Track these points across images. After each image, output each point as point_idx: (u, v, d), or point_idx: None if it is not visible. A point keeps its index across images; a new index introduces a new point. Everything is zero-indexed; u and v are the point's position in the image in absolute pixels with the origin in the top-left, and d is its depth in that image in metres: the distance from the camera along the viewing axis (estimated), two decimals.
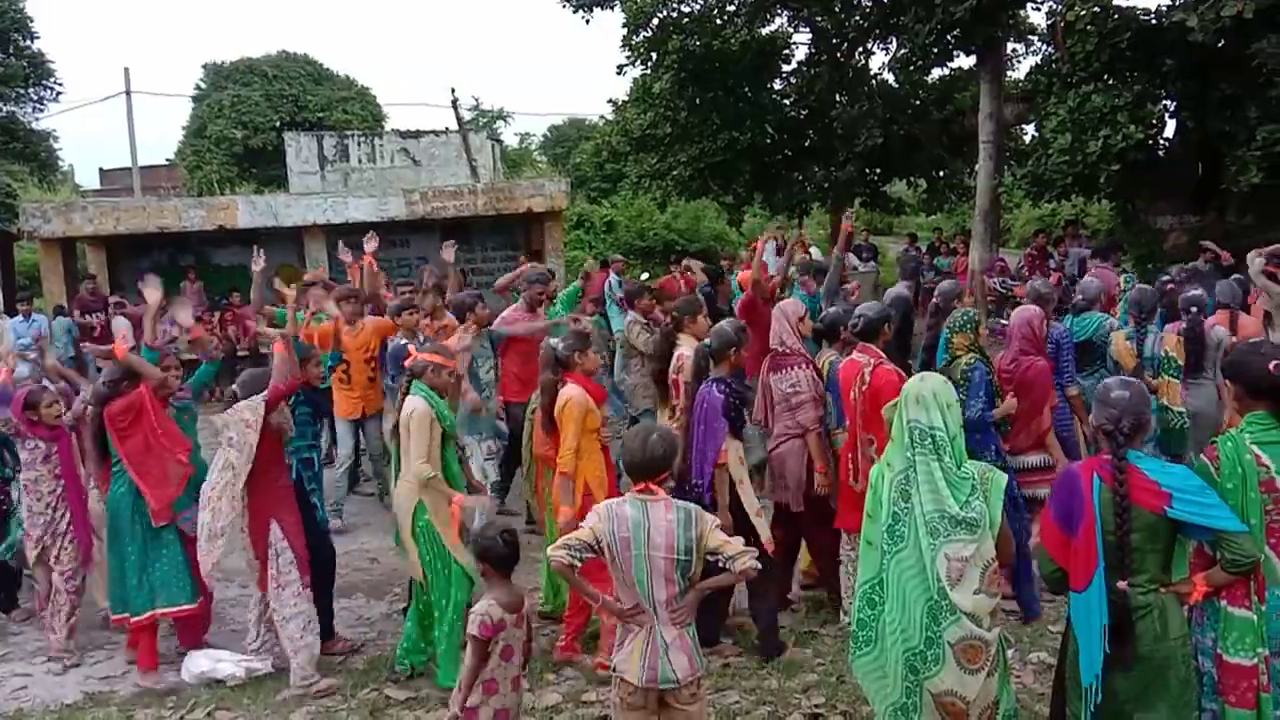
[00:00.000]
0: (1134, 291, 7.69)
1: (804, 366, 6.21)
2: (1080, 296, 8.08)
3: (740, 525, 5.42)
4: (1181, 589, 3.72)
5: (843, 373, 6.14)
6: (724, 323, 6.05)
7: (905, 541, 3.80)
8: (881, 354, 6.03)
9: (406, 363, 5.78)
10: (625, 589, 3.85)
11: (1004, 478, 3.85)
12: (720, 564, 3.87)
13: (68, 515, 6.47)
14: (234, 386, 5.93)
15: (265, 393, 5.64)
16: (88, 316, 14.06)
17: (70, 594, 6.43)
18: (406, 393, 5.68)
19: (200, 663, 5.99)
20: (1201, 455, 3.94)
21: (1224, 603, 3.76)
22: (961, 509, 3.72)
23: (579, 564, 3.79)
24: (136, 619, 5.95)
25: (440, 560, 5.62)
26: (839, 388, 6.14)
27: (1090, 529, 3.61)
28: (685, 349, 6.28)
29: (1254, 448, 3.77)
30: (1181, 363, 7.14)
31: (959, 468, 3.80)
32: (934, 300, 7.23)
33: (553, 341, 6.07)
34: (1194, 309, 7.44)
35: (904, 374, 5.76)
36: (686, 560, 3.77)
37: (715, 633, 5.92)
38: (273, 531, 5.72)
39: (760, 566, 3.93)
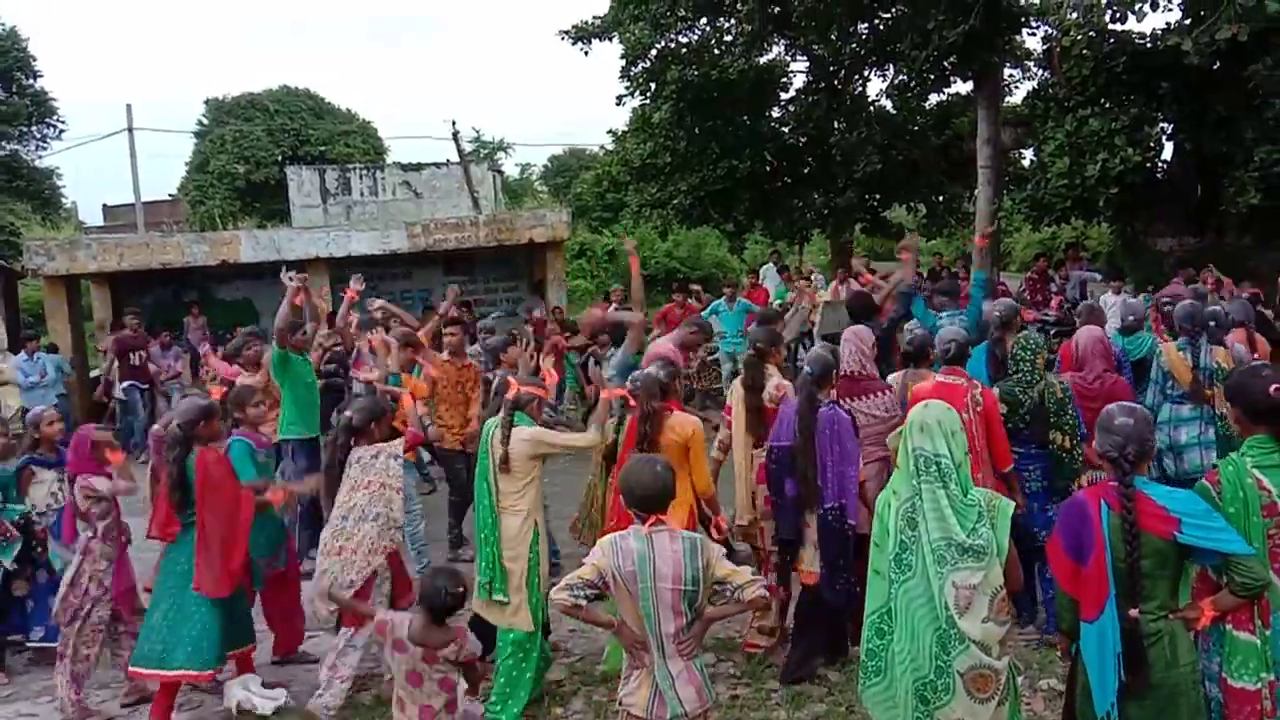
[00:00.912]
0: (1185, 306, 7.64)
1: (885, 391, 6.34)
2: (1131, 317, 8.13)
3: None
4: (1189, 614, 3.70)
5: (932, 395, 6.06)
6: (820, 348, 6.13)
7: (913, 570, 3.80)
8: (969, 375, 6.16)
9: (509, 395, 5.73)
10: (632, 622, 3.83)
11: (1010, 505, 3.84)
12: (730, 593, 3.84)
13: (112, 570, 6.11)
14: (347, 414, 5.99)
15: (401, 444, 5.87)
16: (133, 355, 14.06)
17: (94, 653, 6.10)
18: (510, 424, 5.63)
19: (237, 693, 5.94)
20: (1203, 479, 3.94)
21: (1229, 626, 3.75)
22: (969, 536, 3.71)
23: (583, 604, 3.77)
24: (165, 673, 5.69)
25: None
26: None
27: (1101, 557, 3.59)
28: (778, 378, 6.42)
29: (1255, 472, 3.77)
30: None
31: (965, 495, 3.80)
32: (995, 316, 7.30)
33: (652, 369, 6.05)
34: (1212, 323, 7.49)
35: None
36: (694, 591, 3.75)
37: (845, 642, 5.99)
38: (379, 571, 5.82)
39: (768, 596, 3.93)
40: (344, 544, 5.63)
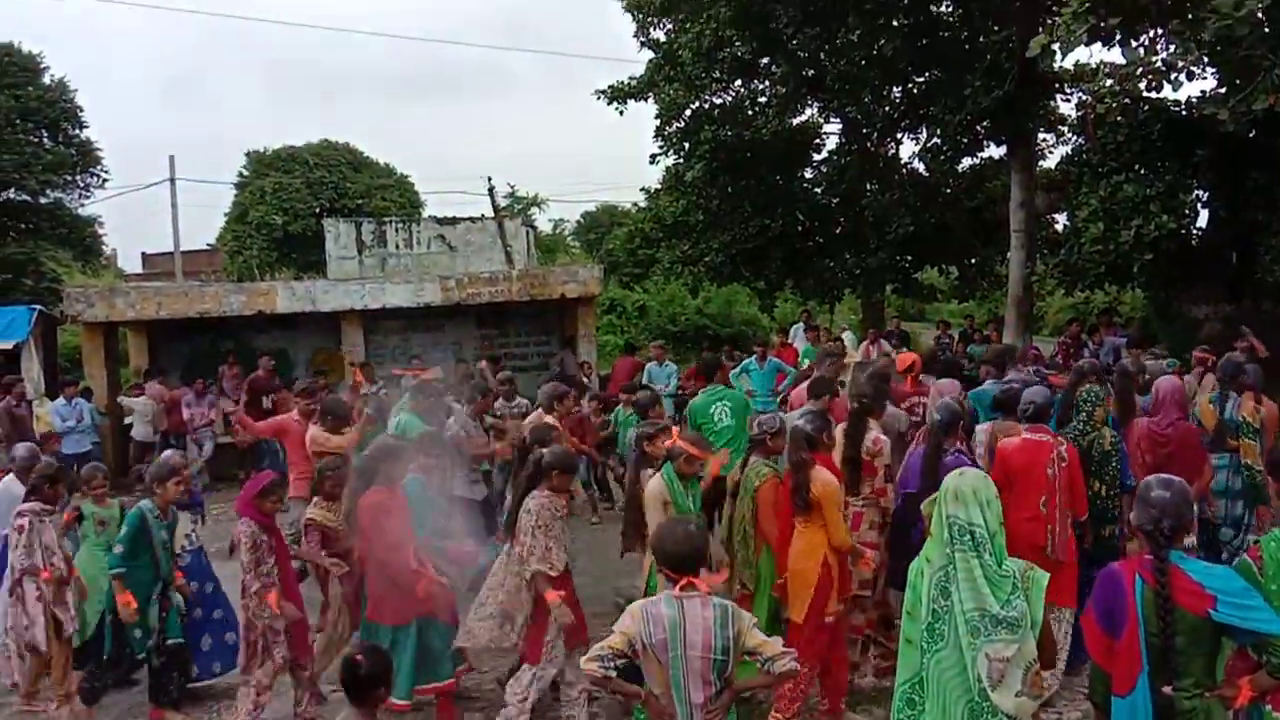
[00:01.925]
0: (1230, 359, 8.34)
1: (965, 441, 6.48)
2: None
3: None
4: (1227, 693, 3.61)
5: (1019, 451, 6.22)
6: (949, 399, 6.40)
7: (945, 640, 3.75)
8: (1054, 432, 6.34)
9: (668, 444, 6.00)
10: (660, 692, 3.75)
11: (1045, 576, 3.79)
12: (760, 665, 3.77)
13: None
14: (538, 453, 6.06)
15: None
16: (267, 399, 14.19)
17: (267, 691, 6.14)
18: (636, 472, 6.01)
19: None
20: (1244, 554, 3.88)
21: (1268, 707, 3.67)
22: (1003, 608, 3.66)
23: (613, 674, 3.70)
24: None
25: None
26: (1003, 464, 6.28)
27: (1134, 631, 3.53)
28: (877, 432, 6.58)
29: None
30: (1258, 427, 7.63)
31: (1000, 565, 3.75)
32: (1077, 366, 7.90)
33: (798, 422, 6.09)
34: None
35: None
36: (724, 660, 3.69)
37: None
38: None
39: (798, 669, 3.87)
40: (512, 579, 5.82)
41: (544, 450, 6.09)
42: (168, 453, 7.38)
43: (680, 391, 15.23)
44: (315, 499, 6.66)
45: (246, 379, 14.87)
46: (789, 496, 5.78)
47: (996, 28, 16.57)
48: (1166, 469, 6.19)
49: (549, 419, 8.39)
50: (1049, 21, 13.78)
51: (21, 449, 7.79)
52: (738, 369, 13.98)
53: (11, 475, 7.44)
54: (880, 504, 6.47)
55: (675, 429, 6.38)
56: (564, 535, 5.86)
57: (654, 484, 5.84)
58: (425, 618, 5.97)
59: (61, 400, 13.89)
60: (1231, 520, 7.62)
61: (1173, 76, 10.60)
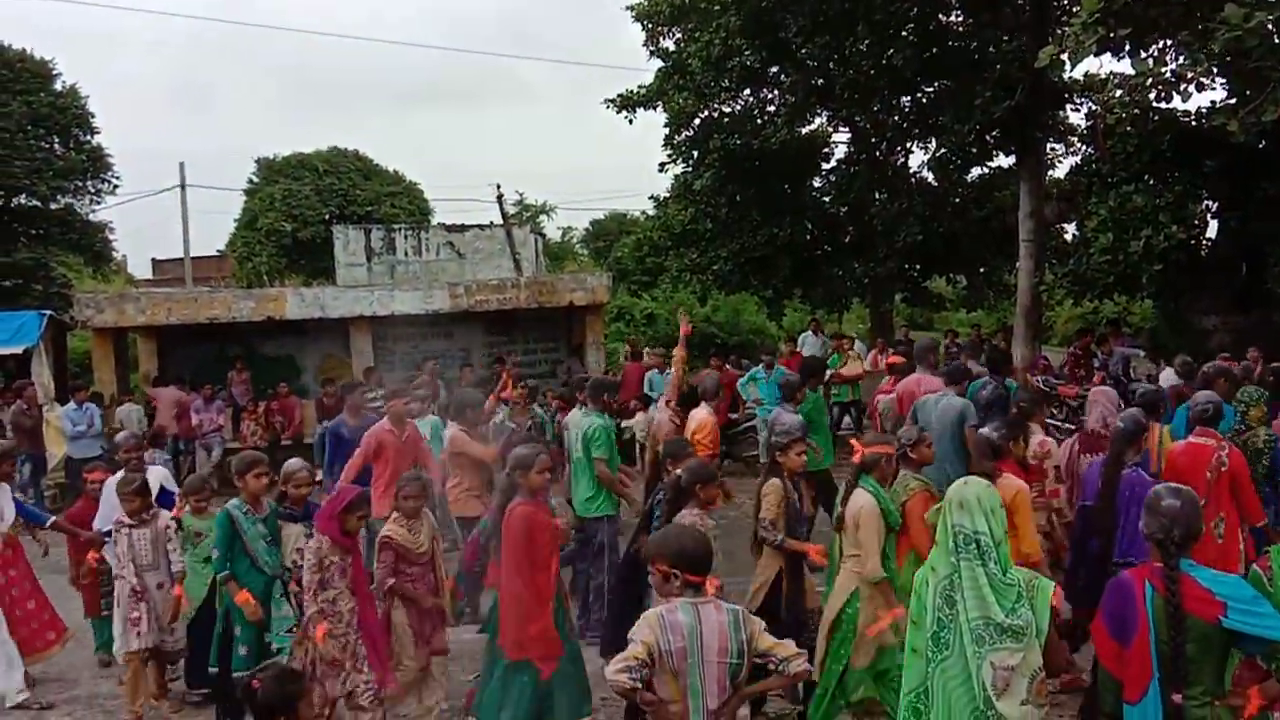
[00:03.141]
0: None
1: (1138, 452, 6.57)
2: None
3: None
4: (1236, 702, 3.61)
5: (1183, 454, 6.31)
6: (1132, 411, 6.42)
7: (950, 649, 3.74)
8: (1220, 436, 6.41)
9: (855, 458, 5.76)
10: (671, 700, 3.66)
11: (1050, 584, 3.79)
12: (773, 667, 3.74)
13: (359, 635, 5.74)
14: (677, 473, 5.87)
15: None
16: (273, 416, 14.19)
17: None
18: (854, 486, 5.67)
19: None
20: (1255, 565, 3.87)
21: (1278, 715, 3.66)
22: (1008, 616, 3.66)
23: (640, 685, 3.59)
24: None
25: (843, 649, 5.53)
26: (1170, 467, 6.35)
27: (1144, 639, 3.52)
28: (1041, 435, 6.79)
29: None
30: None
31: (1005, 574, 3.75)
32: (1226, 371, 7.99)
33: (985, 430, 6.06)
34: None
35: None
36: (738, 664, 3.66)
37: None
38: None
39: (811, 669, 3.85)
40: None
41: (679, 470, 5.85)
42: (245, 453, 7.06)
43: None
44: (394, 515, 6.16)
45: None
46: None
47: (1006, 38, 16.58)
48: None
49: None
50: (1058, 32, 13.81)
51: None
52: (745, 378, 13.99)
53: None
54: (1053, 505, 6.62)
55: (807, 440, 6.22)
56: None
57: (869, 503, 5.55)
58: (550, 659, 5.53)
59: (72, 405, 13.97)
60: None
61: (1182, 87, 10.59)
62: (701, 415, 8.32)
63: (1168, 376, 11.49)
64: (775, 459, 6.12)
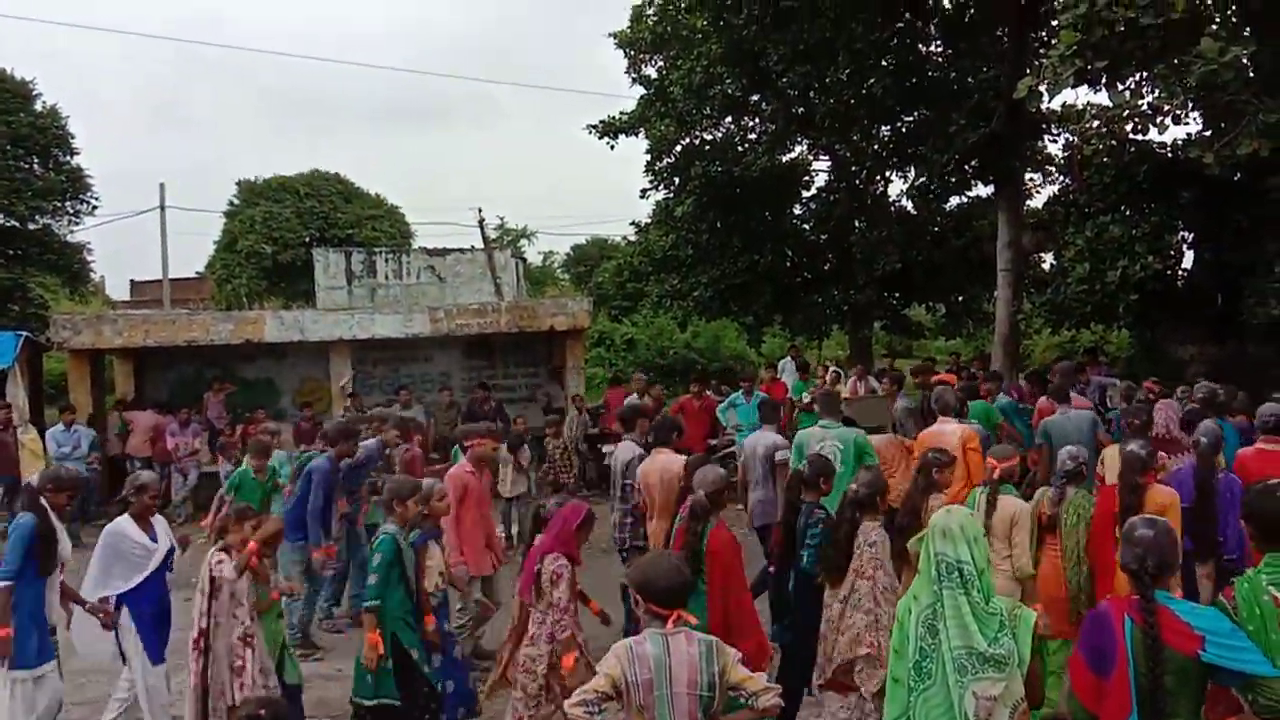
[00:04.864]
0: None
1: (1189, 453, 6.93)
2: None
3: None
4: None
5: (1255, 459, 6.57)
6: (1207, 422, 6.90)
7: (933, 679, 3.73)
8: None
9: (995, 473, 6.24)
10: None
11: (1033, 615, 3.79)
12: (743, 700, 3.71)
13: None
14: (853, 487, 5.81)
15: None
16: (233, 429, 14.06)
17: None
18: (995, 495, 6.09)
19: None
20: (1220, 596, 3.87)
21: None
22: (990, 645, 3.66)
23: (597, 718, 3.56)
24: None
25: None
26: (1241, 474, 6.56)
27: (1124, 672, 3.50)
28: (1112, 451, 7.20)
29: (1271, 589, 3.70)
30: None
31: (987, 603, 3.74)
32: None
33: (1132, 447, 6.26)
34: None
35: None
36: (710, 696, 3.63)
37: None
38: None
39: (783, 705, 3.83)
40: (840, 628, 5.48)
41: (856, 485, 5.80)
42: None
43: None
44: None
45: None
46: (1121, 512, 5.80)
47: (984, 68, 16.77)
48: None
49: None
50: (1036, 63, 13.99)
51: None
52: (724, 403, 13.99)
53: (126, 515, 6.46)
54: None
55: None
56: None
57: (1025, 505, 6.08)
58: None
59: (60, 427, 13.88)
60: None
61: (1158, 120, 10.75)
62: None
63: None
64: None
